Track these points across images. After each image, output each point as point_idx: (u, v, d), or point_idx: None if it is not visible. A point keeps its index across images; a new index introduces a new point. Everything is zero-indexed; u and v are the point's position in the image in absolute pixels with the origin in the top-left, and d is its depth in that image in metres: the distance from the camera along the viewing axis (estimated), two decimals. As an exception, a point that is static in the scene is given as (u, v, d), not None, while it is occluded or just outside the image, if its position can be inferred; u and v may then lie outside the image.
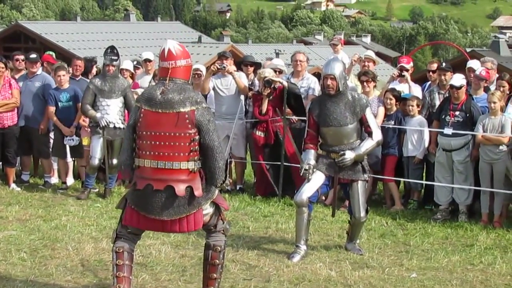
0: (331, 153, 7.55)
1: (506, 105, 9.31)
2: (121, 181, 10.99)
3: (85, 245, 7.60)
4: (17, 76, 11.21)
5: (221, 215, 5.81)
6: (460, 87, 9.20)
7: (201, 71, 11.22)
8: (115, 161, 10.27)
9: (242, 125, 10.79)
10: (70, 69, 11.33)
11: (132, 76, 11.88)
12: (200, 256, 6.49)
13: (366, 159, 7.67)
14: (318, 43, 69.92)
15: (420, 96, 10.24)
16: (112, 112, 10.14)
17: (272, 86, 10.21)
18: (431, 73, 10.59)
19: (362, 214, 7.60)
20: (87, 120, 10.60)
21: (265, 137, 10.43)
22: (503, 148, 9.02)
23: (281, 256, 7.48)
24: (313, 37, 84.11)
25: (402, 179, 10.28)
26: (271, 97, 10.28)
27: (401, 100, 10.13)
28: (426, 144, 9.86)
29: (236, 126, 10.14)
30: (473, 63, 10.42)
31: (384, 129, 9.43)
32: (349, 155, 7.42)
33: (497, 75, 10.25)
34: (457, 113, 9.28)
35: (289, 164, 10.19)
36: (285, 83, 10.16)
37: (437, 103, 9.90)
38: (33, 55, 11.22)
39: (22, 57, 11.42)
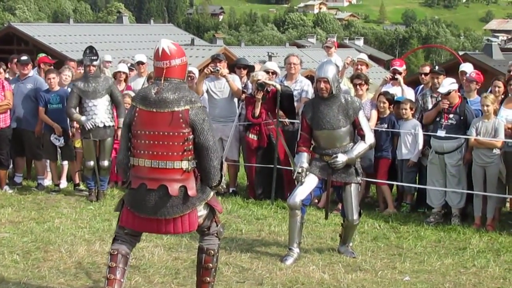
0: (324, 156, 7.55)
1: (499, 108, 9.33)
2: (114, 183, 10.98)
3: (78, 248, 7.59)
4: (11, 78, 11.20)
5: (215, 217, 5.79)
6: (447, 94, 9.22)
7: (194, 73, 11.21)
8: (106, 163, 10.25)
9: (235, 128, 10.78)
10: (70, 73, 11.25)
11: (125, 79, 11.86)
12: (193, 259, 6.49)
13: (359, 162, 7.68)
14: (311, 46, 69.97)
15: (413, 99, 10.25)
16: (100, 111, 10.11)
17: (265, 89, 10.22)
18: (423, 76, 10.60)
19: (355, 217, 7.60)
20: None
21: (258, 140, 10.42)
22: (496, 151, 9.04)
23: (274, 259, 7.48)
24: (306, 40, 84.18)
25: (395, 183, 10.29)
26: (264, 100, 10.28)
27: (395, 103, 10.14)
28: (420, 147, 9.87)
29: (230, 128, 10.11)
30: (466, 67, 10.46)
31: (377, 132, 9.45)
32: (342, 158, 7.42)
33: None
34: (451, 115, 9.30)
35: (282, 167, 10.19)
36: (278, 86, 10.16)
37: (430, 106, 9.93)
38: (24, 57, 11.17)
39: None
